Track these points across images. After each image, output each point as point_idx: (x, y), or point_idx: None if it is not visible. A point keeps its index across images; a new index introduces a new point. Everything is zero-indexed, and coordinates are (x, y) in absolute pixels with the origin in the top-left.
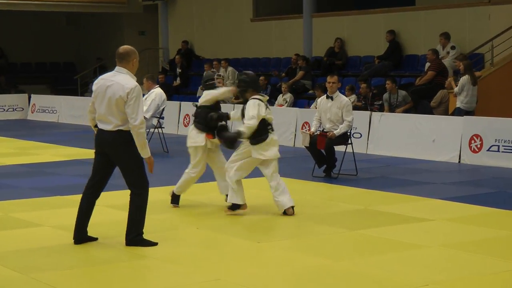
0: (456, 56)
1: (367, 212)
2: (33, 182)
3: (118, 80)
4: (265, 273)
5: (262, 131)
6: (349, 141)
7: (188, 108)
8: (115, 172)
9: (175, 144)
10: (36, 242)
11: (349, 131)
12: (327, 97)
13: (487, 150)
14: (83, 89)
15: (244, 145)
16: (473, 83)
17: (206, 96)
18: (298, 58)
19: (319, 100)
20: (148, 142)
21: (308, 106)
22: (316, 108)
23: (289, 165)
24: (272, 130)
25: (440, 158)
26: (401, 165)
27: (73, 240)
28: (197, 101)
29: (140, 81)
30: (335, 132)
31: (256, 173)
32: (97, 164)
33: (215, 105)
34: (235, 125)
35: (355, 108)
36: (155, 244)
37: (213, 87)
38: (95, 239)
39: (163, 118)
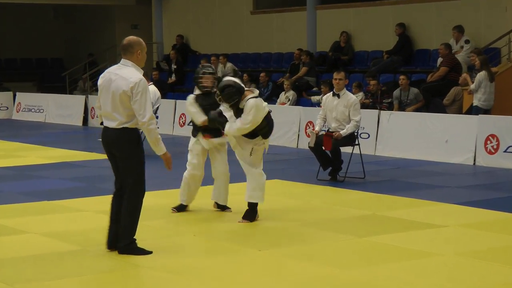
0: (471, 51)
1: (375, 217)
2: (19, 186)
3: (122, 74)
4: (267, 283)
5: (269, 125)
6: (356, 142)
7: (184, 107)
8: (105, 175)
9: (171, 145)
10: (22, 251)
11: (356, 131)
12: (334, 94)
13: (503, 152)
14: (72, 87)
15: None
16: (491, 79)
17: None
18: (301, 53)
19: (324, 97)
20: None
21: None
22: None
23: (292, 167)
24: None
25: (454, 160)
26: (411, 167)
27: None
28: None
29: None
30: (341, 132)
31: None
32: (112, 165)
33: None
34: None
35: (363, 106)
36: (149, 252)
37: (199, 86)
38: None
39: (157, 117)
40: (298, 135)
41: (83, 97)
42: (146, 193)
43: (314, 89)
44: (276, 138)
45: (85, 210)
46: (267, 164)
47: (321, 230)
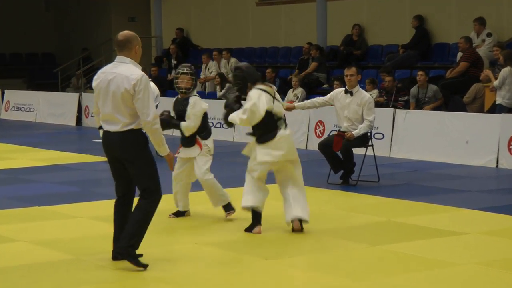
0: (494, 45)
1: (391, 224)
2: (7, 190)
3: (121, 71)
4: None
5: (269, 127)
6: (370, 143)
7: None
8: (100, 179)
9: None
10: (11, 260)
11: (370, 131)
12: (346, 91)
13: None
14: (65, 84)
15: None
16: None
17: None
18: (311, 47)
19: (334, 92)
20: None
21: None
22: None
23: None
24: (285, 126)
25: (475, 162)
26: (429, 170)
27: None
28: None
29: None
30: (353, 132)
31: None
32: (114, 171)
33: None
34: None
35: (377, 104)
36: (144, 266)
37: (175, 87)
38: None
39: None
40: (307, 135)
41: (77, 95)
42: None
43: (325, 86)
44: None
45: (79, 217)
46: None
47: (332, 238)
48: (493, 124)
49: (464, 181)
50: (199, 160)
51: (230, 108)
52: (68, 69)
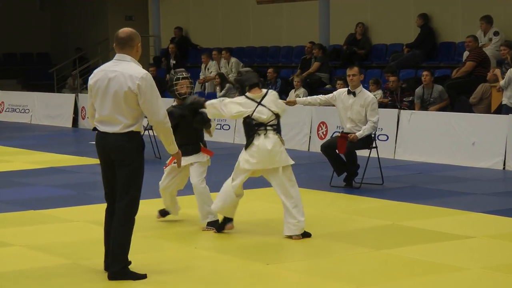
0: (501, 44)
1: (395, 228)
2: (2, 194)
3: (123, 70)
4: None
5: (248, 134)
6: (374, 145)
7: None
8: (97, 182)
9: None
10: (6, 265)
11: (373, 133)
12: (349, 92)
13: None
14: (61, 85)
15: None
16: None
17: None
18: (313, 46)
19: (337, 92)
20: None
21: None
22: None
23: (303, 172)
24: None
25: (481, 164)
26: (434, 172)
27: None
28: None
29: None
30: (357, 134)
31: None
32: (106, 175)
33: None
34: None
35: (381, 105)
36: (144, 276)
37: (174, 94)
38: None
39: None
40: (310, 137)
41: (73, 95)
42: (142, 202)
43: (327, 86)
44: (286, 140)
45: (75, 220)
46: None
47: (335, 242)
48: (500, 125)
49: (470, 184)
50: (199, 167)
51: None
52: (64, 70)
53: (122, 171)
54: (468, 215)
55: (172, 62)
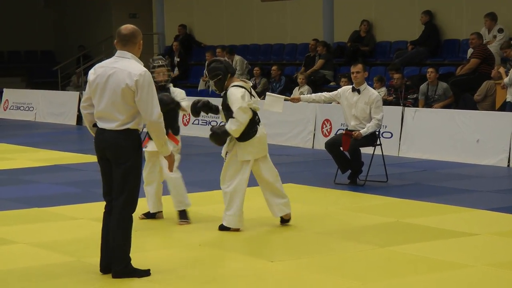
0: (505, 41)
1: (399, 225)
2: (6, 191)
3: (122, 67)
4: None
5: (251, 124)
6: (378, 142)
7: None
8: (100, 180)
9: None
10: (10, 263)
11: (378, 130)
12: (353, 89)
13: None
14: (64, 82)
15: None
16: None
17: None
18: (317, 44)
19: (341, 89)
20: None
21: None
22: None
23: (307, 170)
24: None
25: (486, 162)
26: (439, 169)
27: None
28: (199, 96)
29: None
30: (361, 131)
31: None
32: (104, 173)
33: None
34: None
35: (385, 102)
36: (147, 273)
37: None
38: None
39: None
40: (314, 134)
41: (77, 93)
42: (141, 200)
43: (332, 83)
44: (290, 138)
45: (79, 218)
46: (279, 167)
47: (340, 239)
48: (505, 122)
49: (474, 181)
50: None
51: (215, 133)
52: (68, 67)
53: (118, 170)
54: (473, 213)
55: (176, 59)
